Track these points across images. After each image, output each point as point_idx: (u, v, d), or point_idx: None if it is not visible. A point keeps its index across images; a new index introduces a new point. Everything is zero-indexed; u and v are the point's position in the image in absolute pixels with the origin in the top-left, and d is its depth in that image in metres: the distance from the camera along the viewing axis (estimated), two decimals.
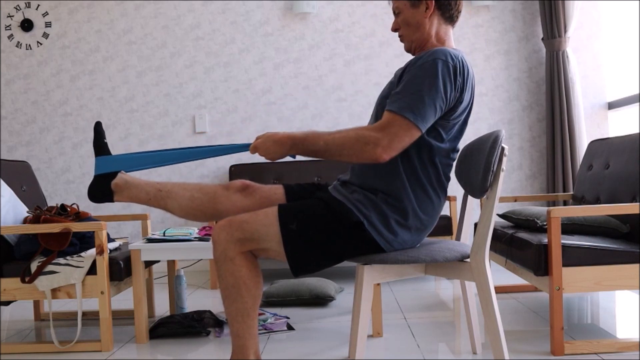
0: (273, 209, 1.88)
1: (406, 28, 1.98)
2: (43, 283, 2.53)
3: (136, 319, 2.64)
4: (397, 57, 4.56)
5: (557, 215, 2.21)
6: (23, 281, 2.54)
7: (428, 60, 1.81)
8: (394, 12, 2.01)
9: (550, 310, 2.23)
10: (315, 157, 1.86)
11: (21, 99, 4.65)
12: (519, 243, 2.47)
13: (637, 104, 3.99)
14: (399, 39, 2.22)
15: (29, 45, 4.64)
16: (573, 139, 4.24)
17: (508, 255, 2.62)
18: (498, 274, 3.98)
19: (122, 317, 3.18)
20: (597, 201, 2.85)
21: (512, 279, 3.77)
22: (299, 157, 4.45)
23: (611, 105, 4.42)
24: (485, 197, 1.91)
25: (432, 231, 3.70)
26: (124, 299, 3.69)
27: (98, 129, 2.10)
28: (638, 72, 4.02)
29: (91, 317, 3.20)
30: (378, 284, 2.58)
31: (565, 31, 4.24)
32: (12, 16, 4.63)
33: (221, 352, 2.49)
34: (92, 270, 2.55)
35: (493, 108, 4.53)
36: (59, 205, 2.75)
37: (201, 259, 4.60)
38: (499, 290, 3.38)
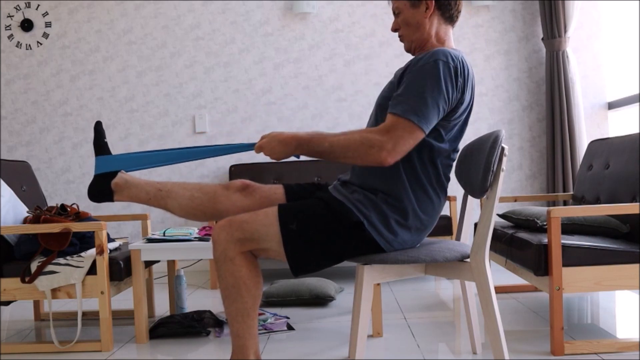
0: (273, 209, 1.88)
1: (406, 28, 1.98)
2: (43, 283, 2.53)
3: (136, 319, 2.64)
4: (397, 57, 4.56)
5: (557, 215, 2.21)
6: (23, 281, 2.54)
7: (429, 62, 1.81)
8: (394, 12, 2.01)
9: (550, 310, 2.23)
10: (320, 158, 1.87)
11: (21, 99, 4.65)
12: (519, 243, 2.47)
13: (637, 104, 3.99)
14: (398, 39, 2.22)
15: (29, 45, 4.64)
16: (573, 139, 4.24)
17: (508, 255, 2.62)
18: (498, 274, 3.98)
19: (122, 317, 3.18)
20: (597, 201, 2.85)
21: (512, 279, 3.77)
22: (300, 157, 4.45)
23: (611, 105, 4.42)
24: (485, 197, 1.91)
25: (432, 231, 3.70)
26: (124, 299, 3.69)
27: (98, 129, 2.10)
28: (638, 72, 4.02)
29: (91, 317, 3.20)
30: (378, 284, 2.58)
31: (565, 31, 4.24)
32: (12, 16, 4.63)
33: (221, 352, 2.49)
34: (92, 270, 2.55)
35: (493, 108, 4.53)
36: (59, 205, 2.75)
37: (201, 259, 4.60)
38: (499, 290, 3.38)
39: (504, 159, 1.86)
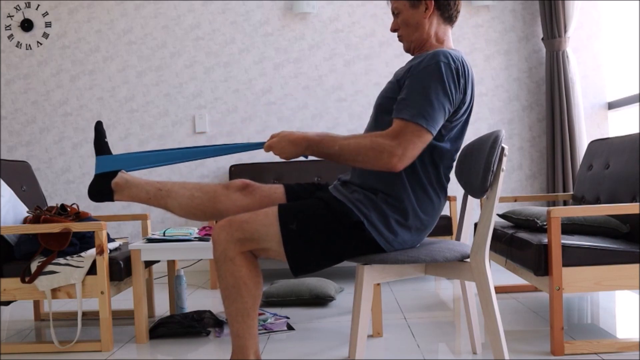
0: (273, 208, 1.88)
1: (405, 28, 1.99)
2: (43, 283, 2.53)
3: (136, 319, 2.64)
4: (397, 57, 4.56)
5: (557, 215, 2.21)
6: (23, 281, 2.54)
7: (431, 64, 1.81)
8: (393, 13, 2.01)
9: (550, 310, 2.23)
10: (330, 160, 1.87)
11: (21, 99, 4.65)
12: (519, 243, 2.47)
13: (637, 104, 3.99)
14: (397, 39, 2.22)
15: (29, 45, 4.64)
16: (573, 139, 4.24)
17: (508, 255, 2.62)
18: (498, 274, 3.98)
19: (122, 317, 3.18)
20: (597, 201, 2.85)
21: (512, 279, 3.77)
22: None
23: (611, 105, 4.42)
24: (485, 197, 1.91)
25: (432, 231, 3.70)
26: (124, 299, 3.69)
27: (99, 129, 2.10)
28: (638, 72, 4.02)
29: (91, 317, 3.20)
30: (378, 284, 2.58)
31: (565, 31, 4.24)
32: (12, 16, 4.63)
33: (221, 352, 2.49)
34: (92, 270, 2.55)
35: (493, 108, 4.53)
36: (59, 205, 2.75)
37: (201, 259, 4.60)
38: (499, 290, 3.38)
39: (504, 159, 1.86)
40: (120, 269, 2.60)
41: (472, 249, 1.92)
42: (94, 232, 2.61)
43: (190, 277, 4.37)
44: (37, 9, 4.63)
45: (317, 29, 4.56)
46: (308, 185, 2.11)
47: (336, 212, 1.87)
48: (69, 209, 2.74)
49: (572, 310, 2.93)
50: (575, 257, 2.23)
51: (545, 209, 2.67)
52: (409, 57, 4.52)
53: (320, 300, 3.23)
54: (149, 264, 2.93)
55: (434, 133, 1.80)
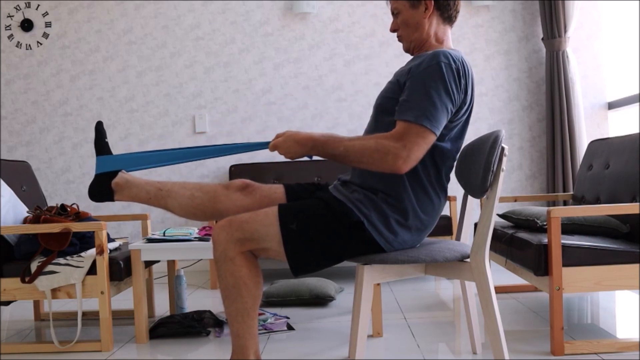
0: (273, 208, 1.88)
1: (405, 28, 1.99)
2: (43, 283, 2.53)
3: (136, 319, 2.64)
4: (397, 57, 4.56)
5: (557, 215, 2.21)
6: (23, 281, 2.54)
7: (432, 64, 1.81)
8: (393, 13, 2.01)
9: (550, 310, 2.23)
10: (334, 160, 1.87)
11: (21, 99, 4.65)
12: (519, 243, 2.47)
13: (637, 104, 3.99)
14: (397, 39, 2.22)
15: (29, 45, 4.64)
16: (573, 139, 4.24)
17: (508, 255, 2.62)
18: (498, 274, 3.98)
19: (122, 317, 3.18)
20: (597, 201, 2.85)
21: (512, 279, 3.77)
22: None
23: (611, 105, 4.42)
24: (485, 197, 1.91)
25: (432, 231, 3.70)
26: (124, 299, 3.69)
27: (99, 129, 2.10)
28: (638, 72, 4.02)
29: (91, 317, 3.20)
30: (378, 284, 2.58)
31: (565, 31, 4.24)
32: (12, 16, 4.63)
33: (221, 352, 2.49)
34: (92, 270, 2.55)
35: (493, 108, 4.53)
36: (59, 205, 2.75)
37: (201, 259, 4.60)
38: (499, 290, 3.38)
39: (504, 159, 1.86)
40: (120, 269, 2.60)
41: (472, 249, 1.92)
42: (94, 232, 2.61)
43: (190, 277, 4.37)
44: (37, 9, 4.63)
45: (317, 29, 4.56)
46: (308, 185, 2.11)
47: (336, 212, 1.87)
48: (69, 209, 2.74)
49: (572, 310, 2.93)
50: (575, 257, 2.23)
51: (545, 209, 2.67)
52: (409, 57, 4.52)
53: (320, 300, 3.23)
54: (149, 264, 2.93)
55: (438, 134, 1.81)
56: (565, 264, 2.22)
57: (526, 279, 2.54)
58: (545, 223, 2.53)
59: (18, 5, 4.63)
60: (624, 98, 4.20)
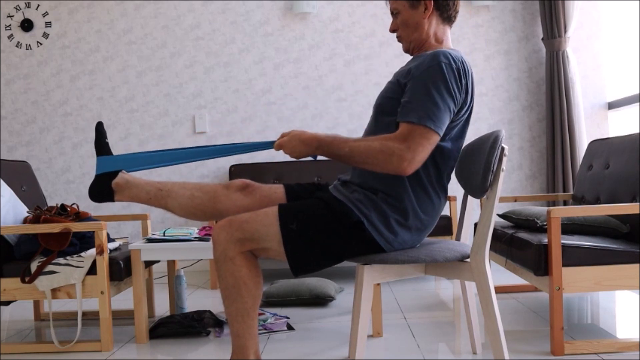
0: (273, 208, 1.88)
1: (405, 29, 1.99)
2: (43, 283, 2.53)
3: (136, 319, 2.64)
4: (397, 57, 4.56)
5: (557, 215, 2.21)
6: (23, 281, 2.54)
7: (432, 64, 1.81)
8: (392, 13, 2.01)
9: (550, 310, 2.23)
10: (339, 161, 1.87)
11: (21, 99, 4.65)
12: (519, 243, 2.47)
13: (637, 104, 4.00)
14: (396, 39, 2.22)
15: (29, 45, 4.64)
16: (573, 139, 4.24)
17: (508, 255, 2.62)
18: (498, 274, 3.98)
19: (122, 317, 3.18)
20: (597, 201, 2.85)
21: (512, 279, 3.77)
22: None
23: (611, 105, 4.42)
24: (485, 197, 1.91)
25: (432, 231, 3.70)
26: (124, 299, 3.69)
27: (100, 129, 2.11)
28: (638, 72, 4.02)
29: (91, 317, 3.20)
30: (378, 284, 2.58)
31: (565, 31, 4.24)
32: (12, 16, 4.63)
33: (221, 352, 2.49)
34: (92, 270, 2.55)
35: (493, 108, 4.53)
36: (59, 205, 2.75)
37: (201, 259, 4.60)
38: (499, 290, 3.38)
39: (504, 159, 1.86)
40: (120, 269, 2.60)
41: (472, 249, 1.92)
42: (94, 232, 2.61)
43: (190, 277, 4.37)
44: (37, 9, 4.63)
45: (317, 29, 4.56)
46: (308, 186, 2.11)
47: (336, 212, 1.87)
48: (69, 209, 2.74)
49: (572, 310, 2.93)
50: (575, 257, 2.23)
51: (545, 209, 2.67)
52: (409, 57, 4.52)
53: (320, 300, 3.23)
54: (149, 264, 2.93)
55: (441, 134, 1.81)
56: (565, 264, 2.22)
57: (526, 279, 2.54)
58: (545, 223, 2.53)
59: (18, 5, 4.63)
60: (624, 98, 4.20)
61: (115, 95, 4.62)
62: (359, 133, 4.48)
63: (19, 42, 4.63)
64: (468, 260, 1.95)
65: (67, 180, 4.63)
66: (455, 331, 2.65)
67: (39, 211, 2.68)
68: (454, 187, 4.50)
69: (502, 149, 1.86)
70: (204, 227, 2.76)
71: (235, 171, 4.32)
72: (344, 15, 4.55)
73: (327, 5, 4.54)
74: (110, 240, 2.90)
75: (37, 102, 4.64)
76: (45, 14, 4.63)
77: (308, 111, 4.56)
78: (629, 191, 2.55)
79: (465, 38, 4.52)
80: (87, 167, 4.64)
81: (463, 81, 1.84)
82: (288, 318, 2.94)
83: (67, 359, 2.49)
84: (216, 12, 4.59)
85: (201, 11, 4.59)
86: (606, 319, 2.76)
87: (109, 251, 2.69)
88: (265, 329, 2.76)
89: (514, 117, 4.52)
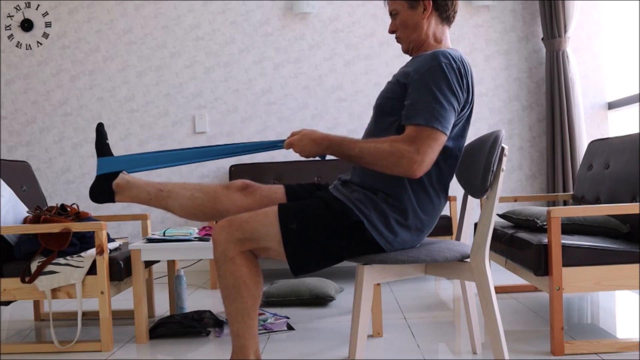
0: (273, 208, 1.88)
1: (404, 29, 1.99)
2: (43, 283, 2.53)
3: (136, 319, 2.64)
4: (397, 57, 4.56)
5: (557, 215, 2.21)
6: (23, 281, 2.54)
7: (433, 65, 1.82)
8: (391, 14, 2.01)
9: (550, 310, 2.23)
10: (349, 161, 1.87)
11: (21, 99, 4.65)
12: (519, 243, 2.47)
13: (637, 104, 4.00)
14: (395, 40, 2.23)
15: (29, 45, 4.64)
16: (573, 139, 4.24)
17: (508, 255, 2.62)
18: (498, 274, 3.98)
19: (122, 317, 3.18)
20: (597, 201, 2.85)
21: (512, 279, 3.77)
22: (299, 157, 4.46)
23: (611, 105, 4.42)
24: (485, 197, 1.91)
25: (432, 231, 3.70)
26: (124, 299, 3.69)
27: (100, 130, 2.11)
28: (638, 72, 4.02)
29: (91, 317, 3.20)
30: (378, 284, 2.59)
31: (565, 31, 4.24)
32: (12, 16, 4.63)
33: (221, 352, 2.49)
34: (92, 270, 2.55)
35: (493, 108, 4.53)
36: (59, 205, 2.75)
37: (201, 259, 4.60)
38: (499, 290, 3.38)
39: (504, 159, 1.86)
40: (120, 269, 2.60)
41: (472, 249, 1.92)
42: (94, 232, 2.61)
43: (190, 277, 4.37)
44: (37, 9, 4.63)
45: (317, 29, 4.56)
46: (308, 186, 2.11)
47: (336, 211, 1.87)
48: (69, 209, 2.74)
49: (572, 310, 2.94)
50: (575, 257, 2.23)
51: (545, 209, 2.67)
52: (409, 57, 4.52)
53: (320, 300, 3.23)
54: (149, 264, 2.93)
55: (448, 134, 1.81)
56: (565, 264, 2.22)
57: (526, 279, 2.54)
58: (545, 223, 2.53)
59: (18, 5, 4.63)
60: (624, 98, 4.20)
61: (115, 95, 4.62)
62: (359, 133, 4.48)
63: (19, 42, 4.63)
64: (468, 260, 1.95)
65: (67, 180, 4.63)
66: (455, 331, 2.65)
67: (39, 211, 2.68)
68: (454, 187, 4.50)
69: (502, 149, 1.86)
70: (204, 227, 2.76)
71: (235, 171, 4.32)
72: (344, 15, 4.55)
73: (327, 5, 4.54)
74: (110, 240, 2.90)
75: (37, 102, 4.64)
76: (45, 14, 4.63)
77: (308, 111, 4.56)
78: (629, 191, 2.55)
79: (465, 38, 4.52)
80: (87, 167, 4.64)
81: (464, 80, 1.85)
82: (288, 318, 2.94)
83: (67, 359, 2.49)
84: (216, 12, 4.59)
85: (201, 11, 4.59)
86: (606, 319, 2.76)
87: (109, 251, 2.69)
88: (265, 329, 2.76)
89: (514, 117, 4.52)
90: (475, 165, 1.90)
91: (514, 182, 4.52)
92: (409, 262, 1.86)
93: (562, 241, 2.24)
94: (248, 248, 1.85)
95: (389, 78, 4.50)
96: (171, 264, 3.17)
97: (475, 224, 3.05)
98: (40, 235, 2.57)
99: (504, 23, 4.52)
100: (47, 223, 2.58)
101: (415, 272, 2.03)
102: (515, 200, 3.28)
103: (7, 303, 2.71)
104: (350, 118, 4.55)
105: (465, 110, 1.90)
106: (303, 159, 4.39)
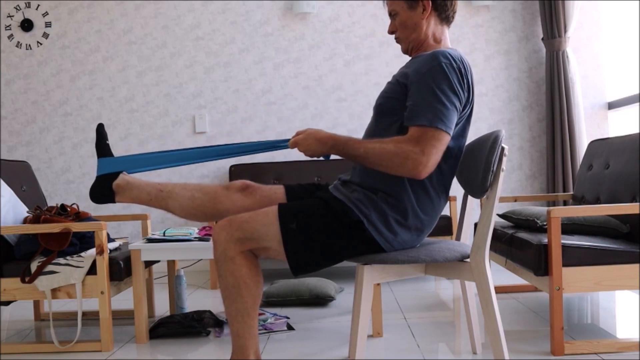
0: (273, 208, 1.88)
1: (403, 30, 1.99)
2: (43, 283, 2.53)
3: (136, 319, 2.64)
4: (397, 57, 4.56)
5: (557, 215, 2.21)
6: (23, 281, 2.54)
7: (434, 65, 1.82)
8: (390, 15, 2.01)
9: (550, 310, 2.23)
10: (354, 161, 1.87)
11: (21, 99, 4.65)
12: (519, 243, 2.47)
13: (637, 104, 4.00)
14: (395, 41, 2.23)
15: (29, 45, 4.64)
16: (573, 139, 4.24)
17: (508, 255, 2.62)
18: (498, 274, 3.98)
19: (122, 317, 3.18)
20: (597, 201, 2.85)
21: (512, 279, 3.77)
22: (299, 157, 4.46)
23: (611, 105, 4.42)
24: (485, 197, 1.91)
25: (432, 231, 3.70)
26: (124, 299, 3.69)
27: (100, 131, 2.11)
28: (638, 72, 4.02)
29: (91, 317, 3.20)
30: (378, 284, 2.59)
31: (565, 31, 4.24)
32: (12, 16, 4.63)
33: (221, 352, 2.49)
34: (92, 270, 2.55)
35: (493, 108, 4.53)
36: (59, 205, 2.75)
37: (201, 259, 4.60)
38: (499, 290, 3.38)
39: (504, 159, 1.86)
40: (120, 269, 2.60)
41: (472, 249, 1.92)
42: (94, 232, 2.61)
43: (190, 277, 4.37)
44: (37, 9, 4.63)
45: (317, 29, 4.56)
46: (308, 186, 2.11)
47: (336, 211, 1.87)
48: (69, 209, 2.74)
49: (572, 310, 2.94)
50: (575, 257, 2.23)
51: (545, 209, 2.67)
52: (409, 57, 4.52)
53: (320, 300, 3.23)
54: (149, 264, 2.93)
55: (451, 133, 1.82)
56: (565, 264, 2.22)
57: (526, 279, 2.54)
58: (545, 223, 2.53)
59: (18, 5, 4.63)
60: (624, 98, 4.20)
61: (115, 95, 4.62)
62: (359, 133, 4.48)
63: (19, 42, 4.63)
64: (468, 260, 1.95)
65: (67, 180, 4.63)
66: (455, 331, 2.65)
67: (39, 211, 2.68)
68: (454, 187, 4.49)
69: (502, 149, 1.86)
70: (204, 227, 2.76)
71: (235, 171, 4.32)
72: (344, 15, 4.55)
73: (327, 5, 4.54)
74: (110, 240, 2.90)
75: (37, 102, 4.64)
76: (45, 14, 4.63)
77: (308, 111, 4.56)
78: (629, 191, 2.55)
79: (465, 38, 4.52)
80: (87, 167, 4.64)
81: (465, 80, 1.85)
82: (288, 318, 2.94)
83: (67, 359, 2.49)
84: (216, 12, 4.59)
85: (201, 11, 4.59)
86: (606, 319, 2.76)
87: (109, 251, 2.69)
88: (265, 329, 2.76)
89: (514, 117, 4.52)
90: (475, 165, 1.90)
91: (514, 182, 4.53)
92: (409, 262, 1.86)
93: (562, 241, 2.24)
94: (248, 248, 1.85)
95: (389, 78, 4.50)
96: (171, 264, 3.17)
97: (475, 224, 3.05)
98: (40, 235, 2.57)
99: (504, 23, 4.52)
100: (47, 223, 2.58)
101: (415, 272, 2.03)
102: (515, 200, 3.28)
103: (7, 303, 2.71)
104: (350, 118, 4.55)
105: (466, 110, 1.91)
106: (303, 159, 4.39)
